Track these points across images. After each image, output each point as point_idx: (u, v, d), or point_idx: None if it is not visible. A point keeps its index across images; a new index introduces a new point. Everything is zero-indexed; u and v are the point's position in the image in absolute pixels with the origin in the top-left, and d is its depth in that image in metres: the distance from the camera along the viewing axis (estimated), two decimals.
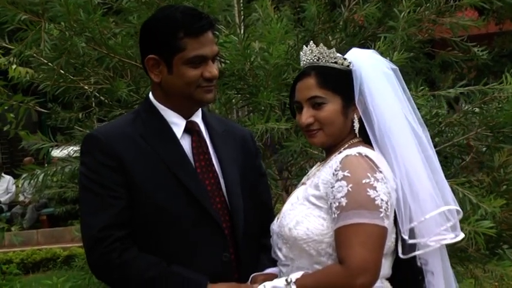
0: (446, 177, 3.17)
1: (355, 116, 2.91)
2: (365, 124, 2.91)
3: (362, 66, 2.92)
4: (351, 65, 2.92)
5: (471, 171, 4.37)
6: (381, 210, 2.70)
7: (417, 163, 2.89)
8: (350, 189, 2.71)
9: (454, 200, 2.94)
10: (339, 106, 2.89)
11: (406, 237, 2.83)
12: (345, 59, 2.95)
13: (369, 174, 2.73)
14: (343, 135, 2.92)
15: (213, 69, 2.95)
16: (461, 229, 3.58)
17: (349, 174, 2.73)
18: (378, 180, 2.73)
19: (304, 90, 2.93)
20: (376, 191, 2.71)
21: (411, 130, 2.93)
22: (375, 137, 2.89)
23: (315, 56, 2.94)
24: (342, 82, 2.90)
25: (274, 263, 2.99)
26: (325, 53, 2.93)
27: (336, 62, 2.92)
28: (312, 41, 3.01)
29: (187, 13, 2.96)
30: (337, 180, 2.74)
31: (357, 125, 2.91)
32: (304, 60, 2.98)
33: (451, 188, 3.79)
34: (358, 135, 2.92)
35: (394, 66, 3.03)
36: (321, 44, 2.96)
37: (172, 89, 2.98)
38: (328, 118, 2.88)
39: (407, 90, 3.03)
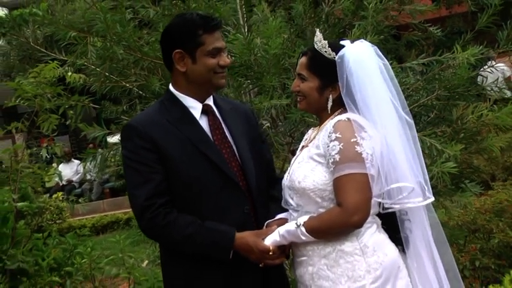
0: (416, 131, 3.12)
1: (331, 96, 2.89)
2: (346, 103, 2.85)
3: (354, 59, 2.85)
4: (337, 57, 2.86)
5: (435, 125, 4.33)
6: (367, 161, 2.71)
7: (399, 146, 2.84)
8: (341, 147, 2.72)
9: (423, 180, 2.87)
10: (315, 85, 2.91)
11: (379, 200, 2.81)
12: (336, 50, 2.87)
13: (356, 134, 2.73)
14: (321, 107, 2.93)
15: (226, 58, 2.98)
16: (431, 171, 3.58)
17: (340, 135, 2.73)
18: (363, 138, 2.73)
19: (299, 65, 2.97)
20: (362, 147, 2.71)
21: (396, 113, 2.88)
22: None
23: (315, 41, 2.93)
24: (323, 68, 2.89)
25: (282, 209, 3.00)
26: (321, 42, 2.90)
27: (325, 52, 2.89)
28: (318, 29, 3.00)
29: (202, 16, 2.97)
30: (331, 140, 2.75)
31: (330, 104, 2.91)
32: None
33: (420, 139, 3.79)
34: (329, 111, 2.91)
35: (386, 62, 2.96)
36: (320, 34, 2.93)
37: (196, 76, 2.97)
38: (305, 91, 2.93)
39: (395, 79, 2.96)
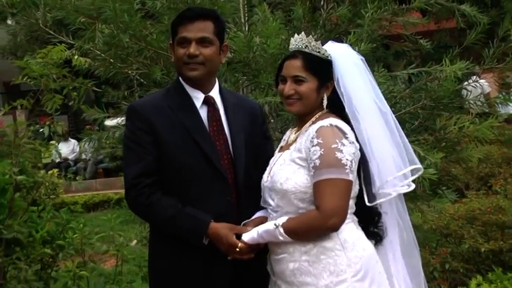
0: None
1: (325, 95, 2.87)
2: (342, 99, 2.85)
3: (337, 57, 2.87)
4: (330, 56, 2.86)
5: (419, 133, 4.34)
6: (346, 167, 2.68)
7: (380, 132, 2.85)
8: (322, 152, 2.69)
9: (413, 158, 2.90)
10: (314, 85, 2.85)
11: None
12: (326, 50, 2.88)
13: (337, 141, 2.70)
14: (314, 107, 2.88)
15: (193, 49, 2.91)
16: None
17: (321, 141, 2.71)
18: (344, 145, 2.70)
19: (290, 68, 2.88)
20: (343, 153, 2.68)
21: (376, 107, 2.88)
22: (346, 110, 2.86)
23: (304, 43, 2.87)
24: (321, 68, 2.85)
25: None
26: (312, 43, 2.86)
27: (319, 52, 2.86)
28: (303, 32, 2.93)
29: (187, 9, 3.01)
30: (313, 145, 2.72)
31: (325, 102, 2.88)
32: (293, 45, 2.92)
33: None
34: (325, 109, 2.87)
35: (362, 57, 2.96)
36: (310, 36, 2.90)
37: (175, 66, 3.02)
38: (305, 92, 2.85)
39: (372, 76, 2.97)
